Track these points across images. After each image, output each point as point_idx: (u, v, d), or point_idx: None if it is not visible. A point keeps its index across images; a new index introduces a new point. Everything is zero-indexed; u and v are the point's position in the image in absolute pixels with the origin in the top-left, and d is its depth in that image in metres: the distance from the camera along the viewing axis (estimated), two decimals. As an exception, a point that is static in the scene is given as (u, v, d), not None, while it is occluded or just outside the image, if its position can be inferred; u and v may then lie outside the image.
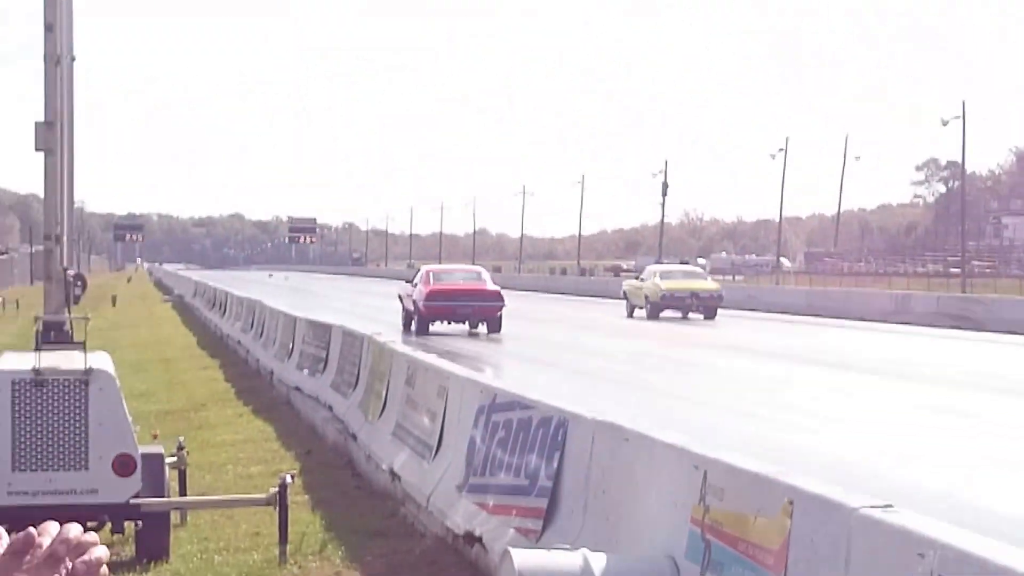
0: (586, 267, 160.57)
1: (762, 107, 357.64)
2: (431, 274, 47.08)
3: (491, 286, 46.63)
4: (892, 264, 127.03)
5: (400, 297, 48.57)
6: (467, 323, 45.95)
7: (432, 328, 44.94)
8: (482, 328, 45.43)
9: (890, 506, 6.22)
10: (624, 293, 60.86)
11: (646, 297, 57.43)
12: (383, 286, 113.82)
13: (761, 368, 32.49)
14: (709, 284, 59.35)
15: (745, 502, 7.30)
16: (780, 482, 7.03)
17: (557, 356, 36.72)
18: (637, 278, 61.05)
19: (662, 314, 56.25)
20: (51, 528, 2.20)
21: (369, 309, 64.43)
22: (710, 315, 56.35)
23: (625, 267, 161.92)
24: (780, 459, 9.57)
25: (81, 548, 2.18)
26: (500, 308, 45.47)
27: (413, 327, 45.44)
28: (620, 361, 34.85)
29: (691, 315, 56.28)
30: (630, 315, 58.41)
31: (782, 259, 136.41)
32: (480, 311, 45.40)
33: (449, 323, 45.94)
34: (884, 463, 17.86)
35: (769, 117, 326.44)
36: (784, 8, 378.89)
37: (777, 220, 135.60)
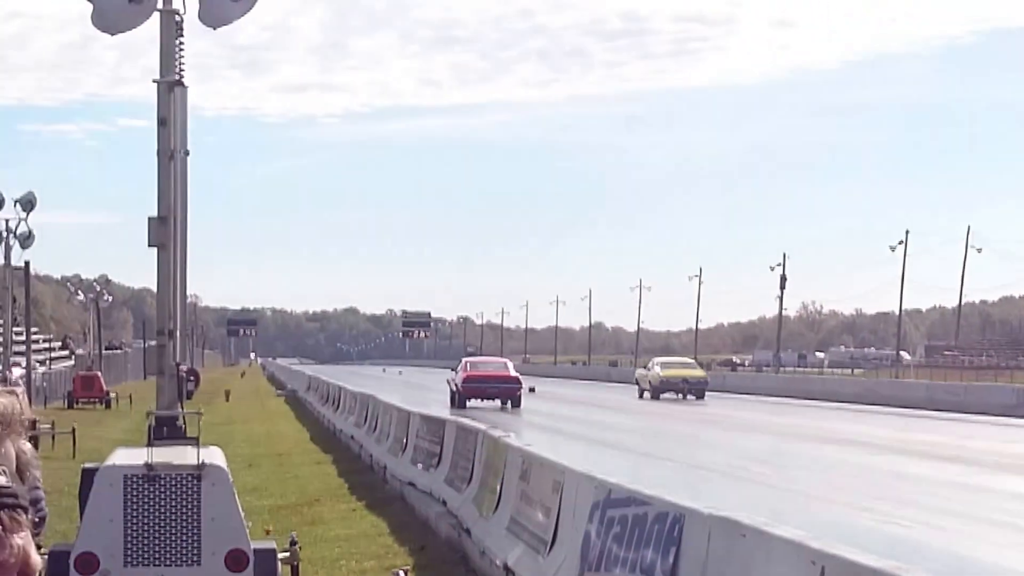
0: (703, 361, 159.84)
1: (882, 197, 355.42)
2: (468, 363, 60.94)
3: (512, 372, 59.47)
4: (1014, 357, 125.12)
5: (448, 381, 61.88)
6: (498, 401, 57.78)
7: (469, 404, 56.29)
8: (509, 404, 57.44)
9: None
10: (636, 380, 77.14)
11: (649, 383, 72.04)
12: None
13: (878, 462, 31.99)
14: (698, 372, 75.00)
15: (866, 599, 7.08)
16: (902, 579, 6.81)
17: (669, 449, 36.41)
18: (645, 367, 76.95)
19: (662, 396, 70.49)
20: None
21: (482, 404, 64.43)
22: (699, 396, 70.29)
23: (737, 361, 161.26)
24: (899, 555, 9.31)
25: None
26: (519, 389, 58.17)
27: (456, 403, 56.91)
28: (734, 455, 34.49)
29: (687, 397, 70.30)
30: (640, 396, 72.46)
31: (902, 352, 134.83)
32: (504, 392, 57.76)
33: (482, 400, 57.49)
34: (1007, 560, 17.43)
35: (889, 208, 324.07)
36: (902, 94, 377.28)
37: (897, 313, 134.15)
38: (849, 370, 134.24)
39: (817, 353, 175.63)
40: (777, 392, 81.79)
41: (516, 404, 57.36)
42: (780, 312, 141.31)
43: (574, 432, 43.50)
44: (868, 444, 37.98)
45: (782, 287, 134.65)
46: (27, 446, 2.46)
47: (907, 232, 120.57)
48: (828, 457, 33.88)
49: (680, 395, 70.30)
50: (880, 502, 23.61)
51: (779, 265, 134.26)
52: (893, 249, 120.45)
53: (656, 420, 52.03)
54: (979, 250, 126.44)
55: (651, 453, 35.26)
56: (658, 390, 70.54)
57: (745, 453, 35.03)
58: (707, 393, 71.13)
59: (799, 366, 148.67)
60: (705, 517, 9.78)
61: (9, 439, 2.39)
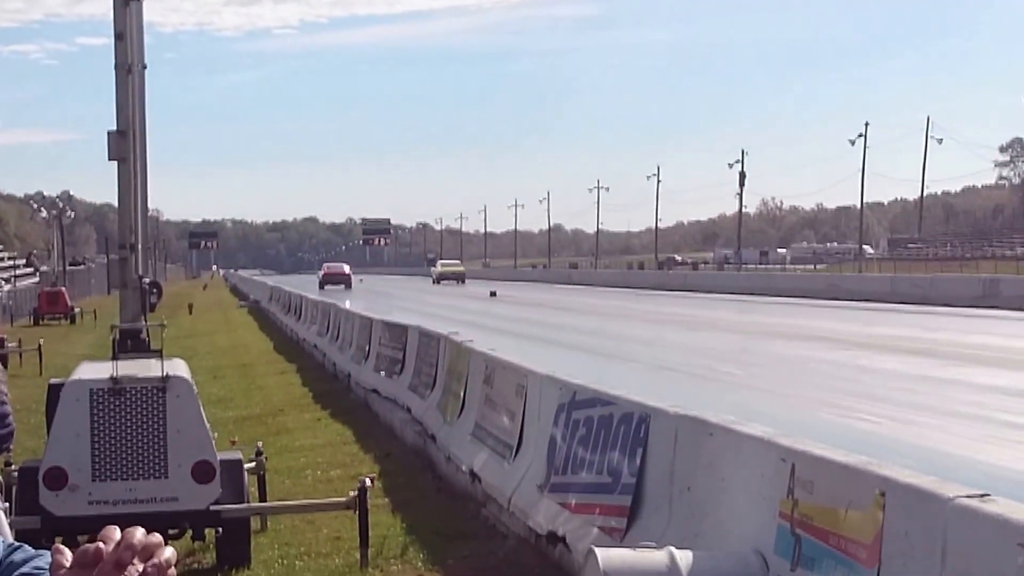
0: (663, 260, 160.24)
1: (840, 91, 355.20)
2: (325, 266, 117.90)
3: (347, 271, 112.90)
4: (978, 248, 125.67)
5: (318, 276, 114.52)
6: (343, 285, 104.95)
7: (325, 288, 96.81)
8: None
9: (987, 495, 6.01)
10: (432, 274, 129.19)
11: (434, 276, 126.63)
12: (458, 286, 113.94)
13: (844, 358, 32.13)
14: (459, 268, 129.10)
15: (835, 495, 7.09)
16: (871, 473, 6.81)
17: (633, 350, 36.50)
18: (434, 267, 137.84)
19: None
20: (113, 534, 2.10)
21: (443, 308, 64.51)
22: (462, 281, 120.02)
23: (679, 259, 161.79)
24: (869, 450, 9.33)
25: (148, 551, 2.07)
26: (350, 279, 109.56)
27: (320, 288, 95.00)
28: (697, 354, 34.61)
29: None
30: (434, 283, 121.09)
31: (864, 246, 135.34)
32: (343, 280, 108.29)
33: (332, 285, 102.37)
34: (977, 452, 17.54)
35: (847, 101, 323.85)
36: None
37: (858, 207, 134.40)
38: (812, 266, 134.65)
39: (779, 250, 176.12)
40: (739, 290, 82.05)
41: (348, 286, 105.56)
42: (740, 209, 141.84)
43: (536, 335, 43.56)
44: (833, 340, 38.13)
45: (741, 184, 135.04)
46: None
47: (866, 125, 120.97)
48: (794, 354, 34.01)
49: (454, 282, 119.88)
50: (848, 398, 23.71)
51: (738, 162, 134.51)
52: (853, 143, 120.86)
53: (617, 323, 52.14)
54: (940, 141, 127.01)
55: (614, 354, 35.33)
56: (439, 279, 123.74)
57: (710, 353, 35.15)
58: (667, 294, 71.20)
59: (761, 263, 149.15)
60: (672, 416, 9.77)
61: None
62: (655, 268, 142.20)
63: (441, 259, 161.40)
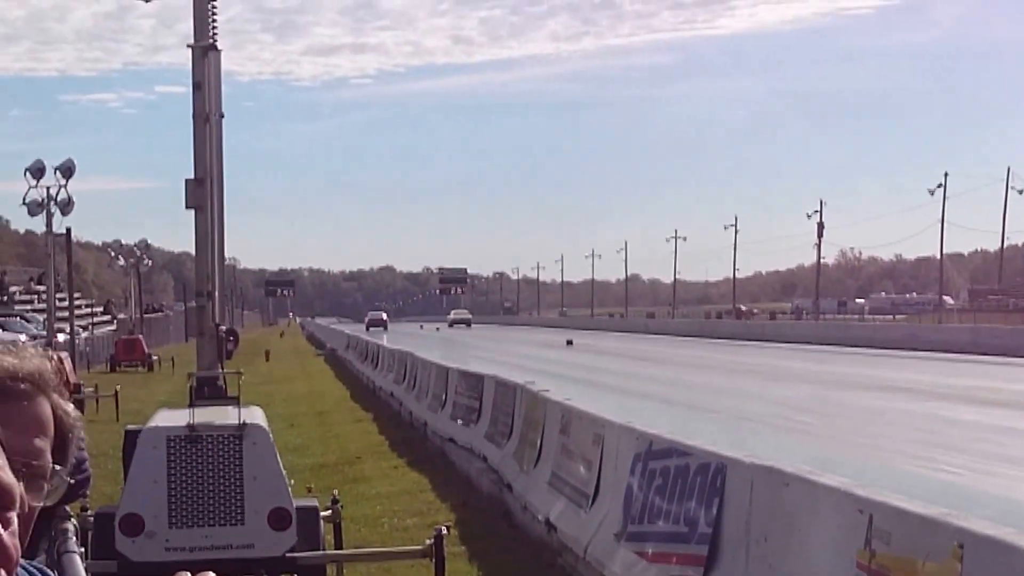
0: (747, 310, 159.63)
1: (920, 141, 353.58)
2: (368, 315, 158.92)
3: (384, 317, 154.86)
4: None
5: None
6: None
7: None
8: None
9: (1069, 549, 5.92)
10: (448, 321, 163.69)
11: (448, 321, 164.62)
12: (535, 334, 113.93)
13: (923, 408, 31.83)
14: (467, 315, 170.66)
15: (913, 546, 7.01)
16: (949, 524, 6.73)
17: (709, 400, 36.33)
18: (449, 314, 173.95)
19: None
20: None
21: (519, 357, 64.48)
22: (468, 326, 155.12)
23: (744, 309, 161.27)
24: (948, 502, 9.23)
25: None
26: (386, 323, 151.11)
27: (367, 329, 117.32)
28: (776, 404, 34.39)
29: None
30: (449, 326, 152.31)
31: (944, 297, 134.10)
32: (382, 324, 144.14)
33: (374, 327, 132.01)
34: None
35: (927, 151, 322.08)
36: (940, 37, 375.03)
37: (938, 257, 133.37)
38: (891, 316, 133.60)
39: (857, 300, 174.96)
40: (817, 340, 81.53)
41: (386, 328, 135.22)
42: (818, 259, 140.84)
43: (612, 384, 43.46)
44: (912, 390, 37.80)
45: (820, 234, 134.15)
46: (70, 407, 2.43)
47: (946, 175, 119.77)
48: (872, 404, 33.73)
49: (464, 325, 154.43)
50: (927, 449, 23.49)
51: (816, 212, 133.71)
52: (932, 192, 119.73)
53: (695, 372, 51.95)
54: (1020, 191, 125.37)
55: (692, 404, 35.19)
56: (452, 323, 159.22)
57: (787, 403, 34.93)
58: (741, 343, 70.63)
59: (839, 313, 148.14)
60: (748, 467, 9.71)
61: (47, 400, 2.36)
62: (732, 318, 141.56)
63: (518, 309, 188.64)
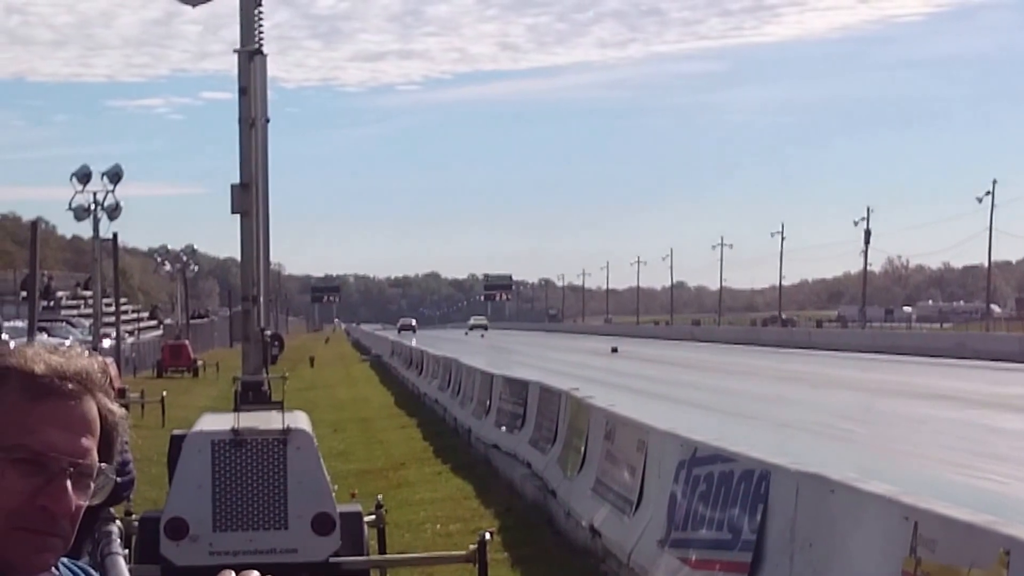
0: (788, 318, 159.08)
1: (967, 149, 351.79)
2: (400, 321, 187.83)
3: (414, 323, 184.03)
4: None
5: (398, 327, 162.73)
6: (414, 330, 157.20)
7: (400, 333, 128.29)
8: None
9: (1117, 557, 5.86)
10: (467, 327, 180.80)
11: (468, 328, 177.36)
12: (579, 342, 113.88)
13: (970, 417, 31.66)
14: (483, 321, 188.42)
15: (959, 554, 6.96)
16: (995, 532, 6.69)
17: (754, 408, 36.22)
18: (467, 321, 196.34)
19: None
20: None
21: (563, 364, 64.45)
22: (485, 329, 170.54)
23: (785, 317, 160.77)
24: (994, 510, 9.16)
25: None
26: (416, 327, 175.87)
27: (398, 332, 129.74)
28: (821, 412, 34.25)
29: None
30: (465, 333, 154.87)
31: (992, 305, 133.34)
32: (412, 328, 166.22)
33: (405, 331, 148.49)
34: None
35: (975, 158, 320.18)
36: (989, 45, 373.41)
37: (986, 265, 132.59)
38: (938, 324, 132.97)
39: (904, 308, 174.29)
40: (864, 348, 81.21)
41: (415, 331, 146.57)
42: (865, 267, 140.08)
43: (658, 392, 43.39)
44: (959, 399, 37.60)
45: (867, 242, 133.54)
46: (115, 407, 2.44)
47: (994, 182, 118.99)
48: (918, 412, 33.57)
49: (481, 330, 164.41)
50: (973, 457, 23.36)
51: (863, 219, 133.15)
52: (980, 200, 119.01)
53: (740, 379, 51.81)
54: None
55: (735, 411, 35.09)
56: (470, 329, 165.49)
57: (832, 410, 34.80)
58: (787, 351, 70.42)
59: (886, 321, 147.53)
60: (792, 473, 9.67)
61: (93, 399, 2.37)
62: (778, 326, 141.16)
63: (563, 316, 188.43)
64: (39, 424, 2.30)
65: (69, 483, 2.29)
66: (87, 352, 2.49)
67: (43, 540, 2.29)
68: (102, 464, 2.37)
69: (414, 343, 62.18)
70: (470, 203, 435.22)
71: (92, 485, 2.35)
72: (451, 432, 30.58)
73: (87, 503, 2.34)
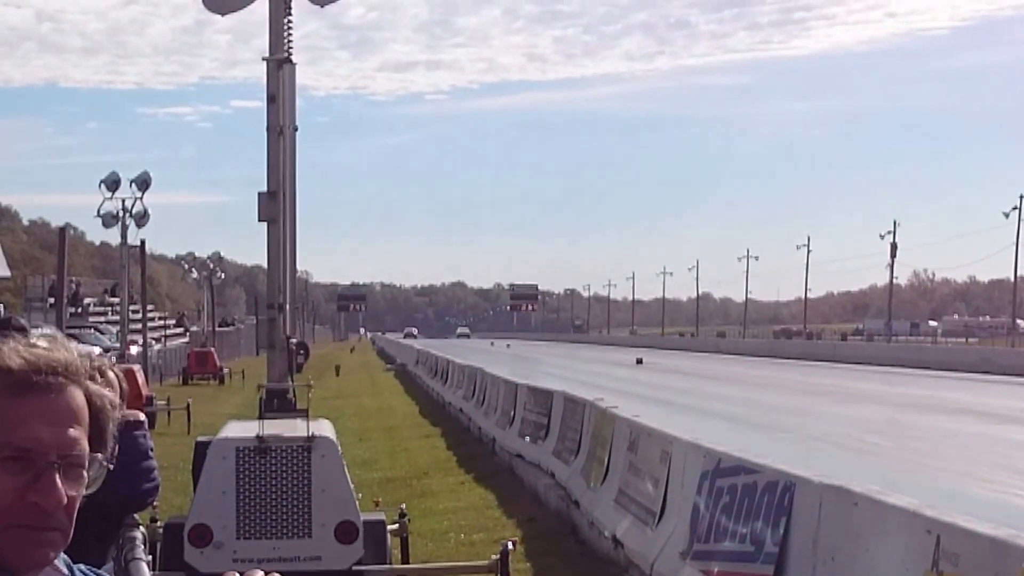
0: (813, 331, 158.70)
1: (994, 162, 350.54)
2: (406, 329, 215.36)
3: (416, 332, 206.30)
4: None
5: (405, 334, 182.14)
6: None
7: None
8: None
9: None
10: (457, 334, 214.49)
11: (456, 335, 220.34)
12: (604, 353, 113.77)
13: (995, 432, 31.57)
14: (467, 331, 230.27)
15: (981, 568, 6.96)
16: (1018, 546, 6.69)
17: (779, 420, 36.16)
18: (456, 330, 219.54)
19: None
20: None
21: (588, 375, 64.41)
22: (468, 337, 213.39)
23: (794, 329, 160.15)
24: (1018, 525, 9.14)
25: None
26: (417, 334, 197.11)
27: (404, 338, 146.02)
28: (845, 425, 34.18)
29: None
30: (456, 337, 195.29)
31: (1018, 320, 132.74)
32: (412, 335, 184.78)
33: (411, 338, 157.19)
34: None
35: (1002, 172, 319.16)
36: (1015, 57, 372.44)
37: (1012, 280, 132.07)
38: (963, 339, 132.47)
39: (930, 322, 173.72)
40: (889, 362, 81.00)
41: (416, 338, 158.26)
42: (891, 280, 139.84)
43: (682, 403, 43.35)
44: (984, 414, 37.49)
45: (893, 255, 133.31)
46: (105, 391, 2.43)
47: (1021, 197, 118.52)
48: (943, 427, 33.49)
49: (466, 338, 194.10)
50: (997, 472, 23.30)
51: (889, 233, 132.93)
52: (1007, 215, 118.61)
53: (765, 392, 51.73)
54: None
55: (760, 424, 35.04)
56: (459, 336, 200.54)
57: (857, 424, 34.72)
58: (815, 364, 70.26)
59: (911, 335, 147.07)
60: (816, 486, 9.66)
61: (78, 388, 2.37)
62: (803, 338, 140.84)
63: (588, 327, 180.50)
64: (21, 420, 2.28)
65: (59, 476, 2.29)
66: (65, 341, 2.48)
67: (39, 536, 2.28)
68: (95, 454, 2.37)
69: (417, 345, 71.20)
70: (496, 212, 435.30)
71: (86, 475, 2.35)
72: (475, 441, 30.59)
73: (82, 493, 2.34)
